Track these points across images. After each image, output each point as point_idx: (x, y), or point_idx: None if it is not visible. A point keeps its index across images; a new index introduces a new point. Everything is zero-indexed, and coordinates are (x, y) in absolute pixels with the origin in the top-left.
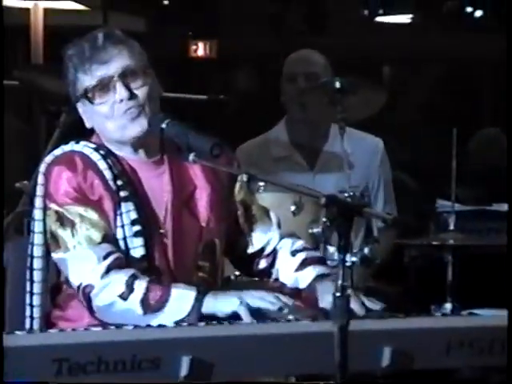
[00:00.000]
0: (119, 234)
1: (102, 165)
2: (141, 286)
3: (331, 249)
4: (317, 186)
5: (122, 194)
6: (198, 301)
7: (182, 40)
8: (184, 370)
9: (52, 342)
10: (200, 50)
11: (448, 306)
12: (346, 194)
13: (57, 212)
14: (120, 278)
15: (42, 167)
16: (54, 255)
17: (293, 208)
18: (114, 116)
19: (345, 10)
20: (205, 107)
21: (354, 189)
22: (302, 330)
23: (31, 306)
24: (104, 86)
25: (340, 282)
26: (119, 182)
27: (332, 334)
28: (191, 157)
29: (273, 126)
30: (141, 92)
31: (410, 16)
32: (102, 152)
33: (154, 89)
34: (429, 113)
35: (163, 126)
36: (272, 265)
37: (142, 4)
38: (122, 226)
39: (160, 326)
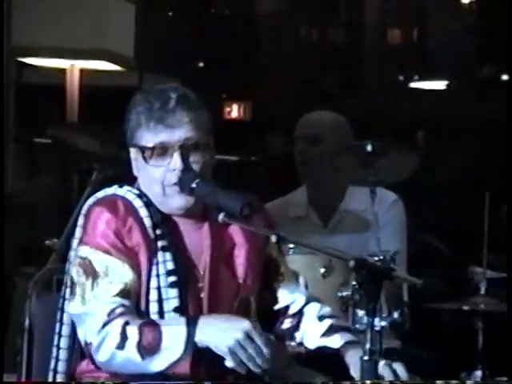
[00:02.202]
0: (153, 284)
1: (143, 212)
2: (133, 331)
3: (360, 312)
4: (330, 244)
5: (160, 243)
6: (190, 335)
7: (216, 102)
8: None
9: None
10: (234, 111)
11: (478, 373)
12: (376, 258)
13: (84, 258)
14: (113, 329)
15: (84, 209)
16: (70, 310)
17: (322, 270)
18: (163, 182)
19: (380, 74)
20: (237, 168)
21: (385, 253)
22: None
23: (57, 359)
24: (162, 151)
25: (368, 345)
26: (158, 232)
27: None
28: (221, 216)
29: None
30: (196, 166)
31: (446, 82)
32: (144, 199)
33: (209, 161)
34: (462, 178)
35: (193, 185)
36: (296, 327)
37: (178, 66)
38: (158, 276)
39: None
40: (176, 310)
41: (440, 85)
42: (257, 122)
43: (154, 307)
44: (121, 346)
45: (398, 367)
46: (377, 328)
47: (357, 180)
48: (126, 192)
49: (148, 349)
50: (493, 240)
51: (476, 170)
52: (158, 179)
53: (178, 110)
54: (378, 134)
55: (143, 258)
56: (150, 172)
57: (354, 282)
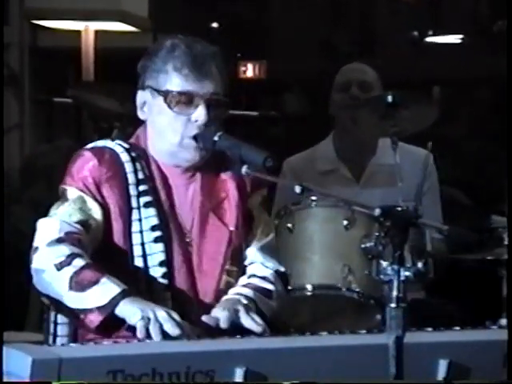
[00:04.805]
0: (136, 240)
1: (129, 167)
2: (78, 263)
3: (384, 263)
4: (363, 199)
5: (144, 199)
6: (116, 300)
7: (231, 61)
8: (238, 382)
9: (107, 354)
10: (249, 71)
11: (503, 321)
12: (399, 208)
13: (63, 190)
14: (64, 250)
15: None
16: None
17: (345, 223)
18: (182, 132)
19: (394, 31)
20: (255, 124)
21: (407, 202)
22: (357, 342)
23: (55, 323)
24: (188, 100)
25: (395, 293)
26: (142, 188)
27: (387, 346)
28: (244, 169)
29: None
30: (217, 122)
31: (460, 36)
32: (133, 154)
33: (223, 117)
34: (482, 129)
35: (215, 138)
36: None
37: (192, 26)
38: (141, 232)
39: (214, 337)
40: (161, 264)
41: (454, 39)
42: (272, 81)
43: (139, 262)
44: (59, 267)
45: None
46: (401, 278)
47: (377, 132)
48: (116, 145)
49: (78, 283)
50: None
51: (494, 123)
52: (179, 128)
53: (212, 62)
54: (394, 89)
55: (115, 211)
56: (170, 119)
57: (377, 233)
